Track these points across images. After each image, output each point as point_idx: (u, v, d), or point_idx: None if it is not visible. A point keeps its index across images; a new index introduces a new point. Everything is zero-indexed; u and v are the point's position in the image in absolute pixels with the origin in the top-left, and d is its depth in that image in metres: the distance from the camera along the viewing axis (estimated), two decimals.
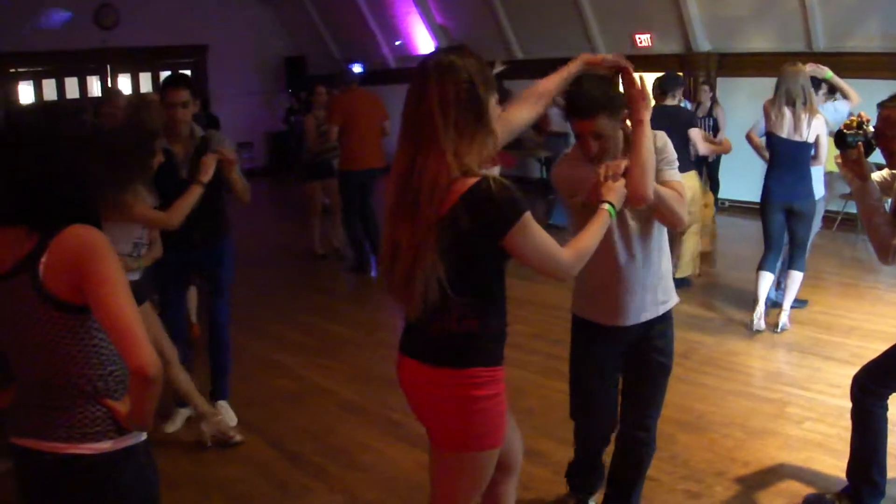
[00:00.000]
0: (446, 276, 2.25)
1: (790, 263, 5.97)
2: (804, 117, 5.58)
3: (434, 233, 2.22)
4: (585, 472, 3.59)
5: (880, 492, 3.38)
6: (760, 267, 5.94)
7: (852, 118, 3.11)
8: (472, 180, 2.21)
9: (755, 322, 5.87)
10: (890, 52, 8.65)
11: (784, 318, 5.92)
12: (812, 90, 5.67)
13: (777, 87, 5.73)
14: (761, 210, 5.99)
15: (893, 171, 3.37)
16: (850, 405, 4.46)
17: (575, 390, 3.37)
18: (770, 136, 5.78)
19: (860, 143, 3.04)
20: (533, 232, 2.31)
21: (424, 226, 2.22)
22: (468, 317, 2.34)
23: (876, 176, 3.28)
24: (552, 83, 2.79)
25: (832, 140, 5.60)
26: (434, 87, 2.21)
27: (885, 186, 3.36)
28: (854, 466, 3.43)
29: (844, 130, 3.07)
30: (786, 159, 5.74)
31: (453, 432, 2.42)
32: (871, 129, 3.07)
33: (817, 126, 5.63)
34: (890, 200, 3.29)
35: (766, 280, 5.91)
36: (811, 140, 5.66)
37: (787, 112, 5.62)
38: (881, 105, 3.11)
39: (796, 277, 5.92)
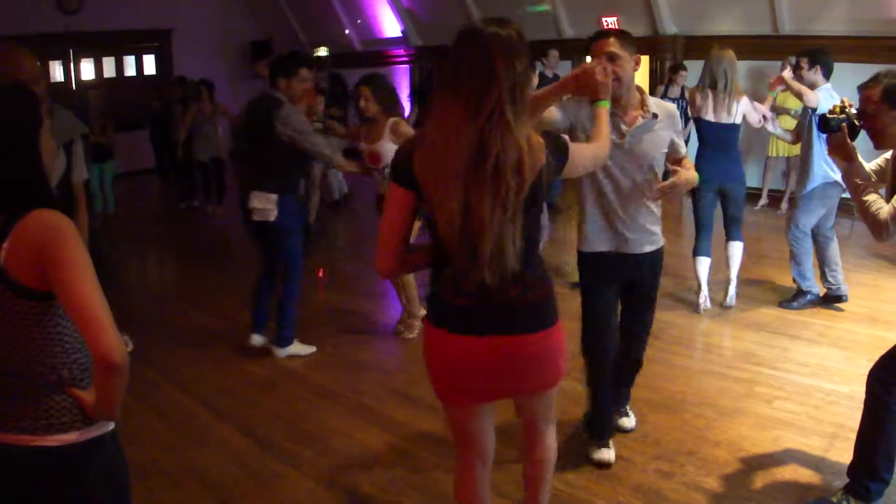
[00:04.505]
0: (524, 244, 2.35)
1: (728, 236, 6.05)
2: (727, 100, 5.70)
3: (522, 205, 2.30)
4: None
5: (886, 485, 3.33)
6: (696, 253, 5.96)
7: (836, 105, 3.23)
8: (539, 141, 2.34)
9: (701, 304, 5.99)
10: (855, 35, 8.72)
11: (732, 290, 6.07)
12: (735, 75, 5.76)
13: (703, 70, 5.87)
14: (692, 192, 5.90)
15: (887, 157, 3.41)
16: (818, 384, 4.56)
17: None
18: (698, 121, 5.87)
19: (844, 125, 3.17)
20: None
21: (515, 200, 2.26)
22: (544, 278, 2.51)
23: (872, 165, 3.40)
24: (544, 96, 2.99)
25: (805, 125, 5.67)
26: (502, 67, 2.22)
27: (881, 173, 3.43)
28: (863, 463, 3.34)
29: (828, 115, 3.19)
30: (714, 142, 5.83)
31: (559, 371, 2.61)
32: (854, 111, 3.19)
33: (742, 108, 5.76)
34: (884, 189, 3.34)
35: (704, 264, 5.95)
36: (738, 122, 5.78)
37: (710, 95, 5.75)
38: (861, 87, 3.18)
39: (738, 247, 6.03)
